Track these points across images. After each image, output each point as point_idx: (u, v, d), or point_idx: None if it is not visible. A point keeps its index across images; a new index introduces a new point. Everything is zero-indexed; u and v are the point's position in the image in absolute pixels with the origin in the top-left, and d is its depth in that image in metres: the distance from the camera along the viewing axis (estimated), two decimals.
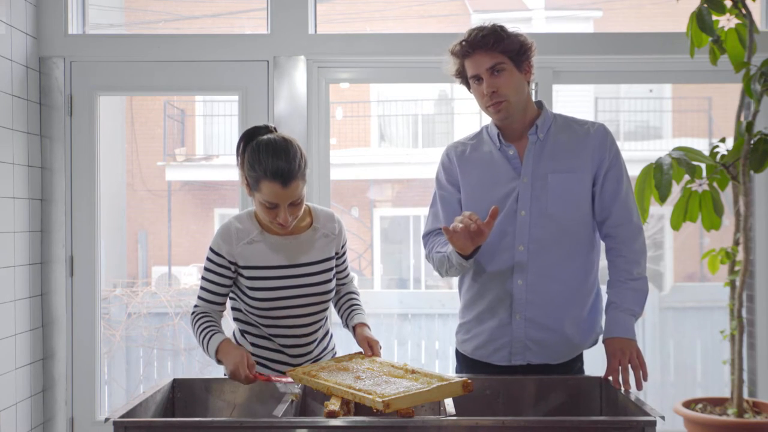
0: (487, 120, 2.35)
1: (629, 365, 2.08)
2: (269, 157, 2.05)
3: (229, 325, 2.30)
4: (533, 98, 3.49)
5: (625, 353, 2.09)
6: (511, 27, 2.24)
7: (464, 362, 2.37)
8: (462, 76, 2.27)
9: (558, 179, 2.21)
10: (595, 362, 2.41)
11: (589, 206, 2.24)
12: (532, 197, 2.21)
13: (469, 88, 2.28)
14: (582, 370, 2.33)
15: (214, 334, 2.14)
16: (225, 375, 2.10)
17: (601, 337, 2.28)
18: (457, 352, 2.40)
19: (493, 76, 2.18)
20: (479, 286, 2.29)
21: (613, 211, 2.23)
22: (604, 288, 2.33)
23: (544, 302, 2.21)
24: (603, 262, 2.34)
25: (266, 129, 2.15)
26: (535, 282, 2.21)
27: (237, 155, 2.15)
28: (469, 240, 2.03)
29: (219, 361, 2.11)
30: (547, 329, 2.22)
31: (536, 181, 2.22)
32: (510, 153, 2.26)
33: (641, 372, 2.08)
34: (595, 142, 2.24)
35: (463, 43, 2.20)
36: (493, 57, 2.17)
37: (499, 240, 2.22)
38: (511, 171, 2.24)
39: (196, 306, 2.24)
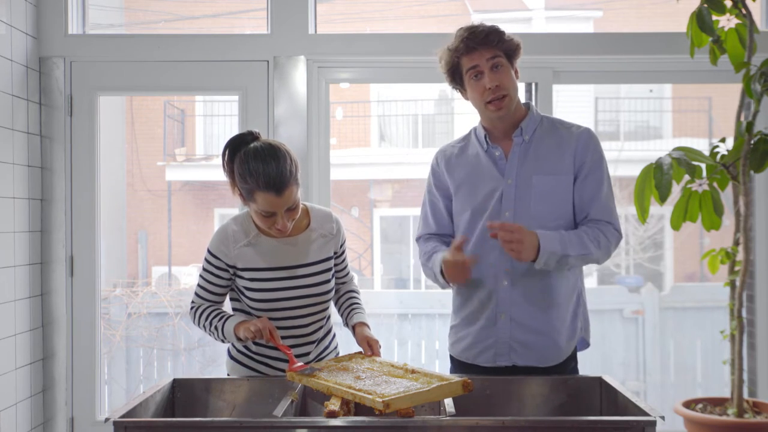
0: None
1: (511, 234, 2.07)
2: (259, 167, 2.03)
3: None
4: (533, 98, 3.55)
5: (518, 233, 2.07)
6: (501, 28, 2.26)
7: (455, 364, 2.39)
8: (454, 73, 2.27)
9: (542, 181, 2.22)
10: (591, 364, 2.41)
11: (572, 208, 2.25)
12: (516, 198, 2.23)
13: (459, 88, 2.29)
14: (576, 371, 2.32)
15: (230, 317, 2.18)
16: (243, 340, 2.14)
17: (578, 342, 2.31)
18: (449, 354, 2.42)
19: (493, 71, 2.20)
20: (468, 289, 2.31)
21: (590, 212, 2.24)
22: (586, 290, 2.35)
23: (529, 303, 2.22)
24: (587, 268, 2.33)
25: (251, 136, 2.12)
26: (520, 283, 2.21)
27: (223, 164, 2.14)
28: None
29: (239, 339, 2.14)
30: (533, 331, 2.22)
31: (521, 182, 2.24)
32: (496, 154, 2.28)
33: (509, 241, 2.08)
34: (578, 145, 2.25)
35: (467, 39, 2.20)
36: (494, 50, 2.20)
37: (485, 242, 2.23)
38: (496, 172, 2.27)
39: (193, 302, 2.25)
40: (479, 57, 2.20)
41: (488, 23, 2.25)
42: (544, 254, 2.10)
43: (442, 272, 2.22)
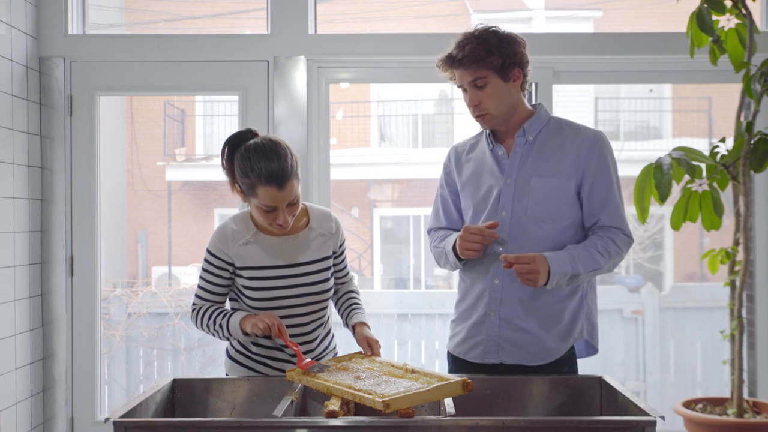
0: None
1: (527, 266, 2.09)
2: (261, 162, 2.04)
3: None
4: (533, 99, 3.54)
5: (533, 264, 2.09)
6: (505, 29, 2.24)
7: (449, 359, 2.41)
8: (453, 80, 2.31)
9: (541, 183, 2.22)
10: (591, 364, 2.40)
11: (572, 211, 2.24)
12: (514, 199, 2.23)
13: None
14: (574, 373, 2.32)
15: (235, 312, 2.17)
16: (244, 337, 2.14)
17: (577, 344, 2.31)
18: (447, 349, 2.44)
19: (475, 89, 2.22)
20: (465, 285, 2.35)
21: (601, 217, 2.24)
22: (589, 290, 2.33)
23: (517, 302, 2.23)
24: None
25: (250, 133, 2.14)
26: (511, 282, 2.22)
27: (222, 162, 2.15)
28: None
29: (246, 333, 2.13)
30: (520, 330, 2.23)
31: (519, 183, 2.24)
32: (499, 153, 2.30)
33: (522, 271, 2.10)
34: (584, 148, 2.23)
35: (444, 59, 2.24)
36: (474, 73, 2.21)
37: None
38: (497, 171, 2.28)
39: (194, 304, 2.25)
40: (460, 78, 2.24)
41: (491, 24, 2.24)
42: (555, 276, 2.12)
43: (454, 248, 2.24)
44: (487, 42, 2.18)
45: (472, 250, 2.19)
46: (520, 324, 2.22)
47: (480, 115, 2.25)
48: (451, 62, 2.22)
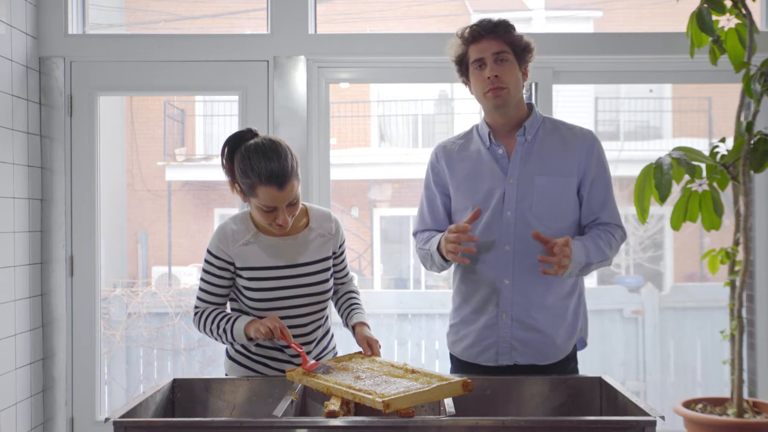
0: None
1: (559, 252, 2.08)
2: (261, 162, 2.04)
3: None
4: (532, 99, 3.55)
5: (568, 247, 2.09)
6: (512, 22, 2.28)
7: (456, 363, 2.39)
8: (461, 63, 2.29)
9: (544, 181, 2.23)
10: (591, 364, 2.40)
11: (574, 209, 2.27)
12: (518, 198, 2.23)
13: (464, 76, 2.30)
14: (576, 371, 2.34)
15: (239, 317, 2.17)
16: (250, 340, 2.15)
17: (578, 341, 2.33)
18: (450, 353, 2.42)
19: (497, 63, 2.21)
20: (468, 287, 2.32)
21: (601, 215, 2.27)
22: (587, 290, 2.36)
23: (529, 302, 2.23)
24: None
25: (250, 133, 2.14)
26: (521, 282, 2.22)
27: (222, 162, 2.15)
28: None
29: (249, 338, 2.13)
30: (533, 329, 2.23)
31: (522, 182, 2.24)
32: (499, 152, 2.28)
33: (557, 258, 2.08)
34: (583, 147, 2.27)
35: (474, 27, 2.23)
36: (500, 45, 2.21)
37: (486, 240, 2.24)
38: (499, 171, 2.27)
39: (197, 307, 2.25)
40: (485, 49, 2.21)
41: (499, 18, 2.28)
42: (573, 264, 2.13)
43: (439, 249, 2.23)
44: (507, 21, 2.25)
45: (452, 252, 2.15)
46: (532, 323, 2.23)
47: (497, 88, 2.20)
48: (481, 31, 2.21)
